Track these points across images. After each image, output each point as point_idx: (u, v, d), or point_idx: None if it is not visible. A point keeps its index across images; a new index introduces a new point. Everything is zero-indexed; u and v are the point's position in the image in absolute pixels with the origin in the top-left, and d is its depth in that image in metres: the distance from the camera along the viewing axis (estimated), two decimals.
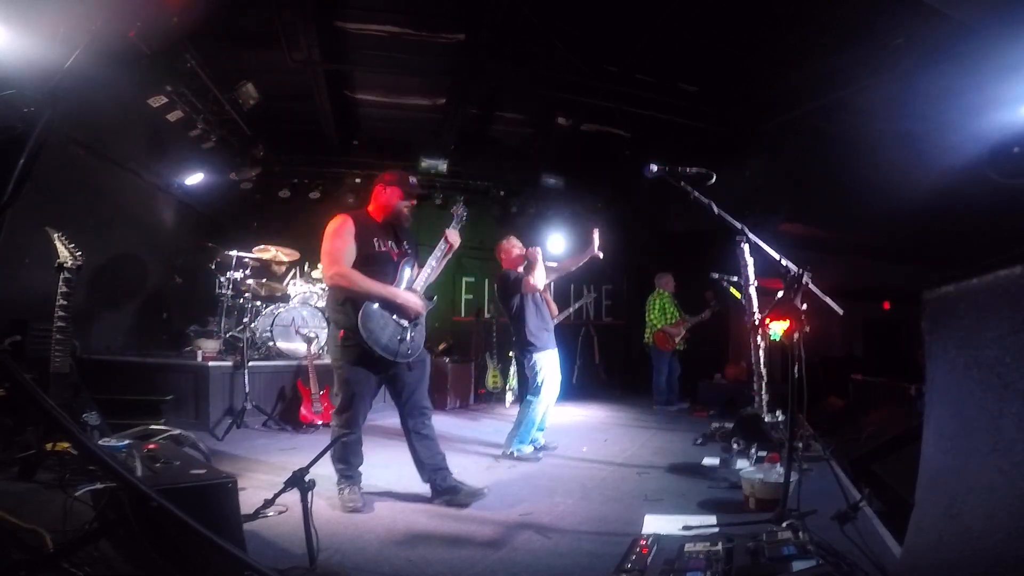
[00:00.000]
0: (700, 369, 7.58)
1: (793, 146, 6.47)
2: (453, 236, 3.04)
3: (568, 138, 7.57)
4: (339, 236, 2.81)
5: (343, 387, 2.86)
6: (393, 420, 5.63)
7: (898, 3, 4.22)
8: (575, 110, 6.83)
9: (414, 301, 2.84)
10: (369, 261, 2.80)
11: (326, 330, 5.88)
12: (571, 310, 6.34)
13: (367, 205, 3.05)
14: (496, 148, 8.06)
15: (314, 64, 5.66)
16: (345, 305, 2.76)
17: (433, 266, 3.01)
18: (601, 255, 4.35)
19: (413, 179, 3.01)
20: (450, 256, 3.09)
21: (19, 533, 1.87)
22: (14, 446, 2.75)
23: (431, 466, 2.95)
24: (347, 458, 2.89)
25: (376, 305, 2.74)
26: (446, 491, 2.92)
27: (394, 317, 2.80)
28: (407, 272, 2.91)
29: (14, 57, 3.32)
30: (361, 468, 2.97)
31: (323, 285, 6.23)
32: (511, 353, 6.71)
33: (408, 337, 2.82)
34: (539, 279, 4.02)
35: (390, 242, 2.93)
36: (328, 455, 2.68)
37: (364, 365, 2.80)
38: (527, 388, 4.38)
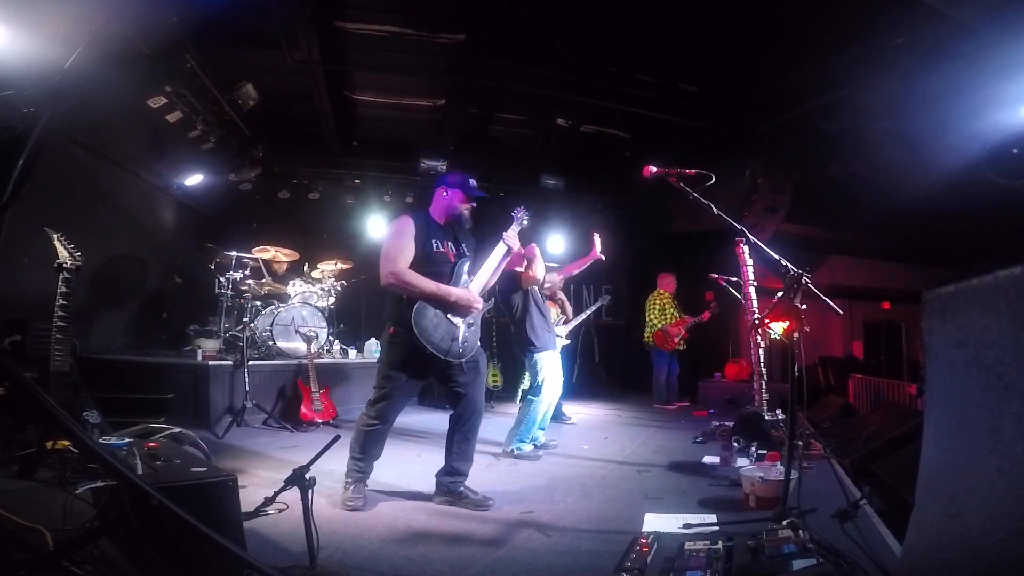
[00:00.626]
0: (700, 368, 7.59)
1: (793, 146, 6.48)
2: (512, 238, 3.02)
3: (568, 139, 7.57)
4: (398, 236, 2.80)
5: (383, 381, 2.85)
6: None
7: (898, 3, 4.23)
8: (575, 110, 6.84)
9: (468, 297, 2.82)
10: (427, 261, 2.80)
11: (325, 329, 5.92)
12: (590, 311, 6.21)
13: (428, 206, 3.03)
14: (496, 148, 8.06)
15: (314, 64, 5.66)
16: (401, 303, 2.77)
17: (492, 268, 2.99)
18: (603, 257, 4.40)
19: (473, 181, 2.98)
20: (508, 258, 3.07)
21: (19, 532, 1.87)
22: (14, 444, 2.76)
23: (454, 469, 2.94)
24: (366, 448, 2.88)
25: (430, 304, 2.75)
26: (451, 494, 2.91)
27: (448, 316, 2.79)
28: (464, 273, 2.90)
29: (14, 57, 3.32)
30: (376, 463, 2.95)
31: (322, 285, 6.25)
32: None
33: (461, 337, 2.81)
34: (539, 272, 4.03)
35: (448, 243, 2.92)
36: (350, 442, 2.73)
37: (409, 364, 2.81)
38: (529, 387, 4.39)
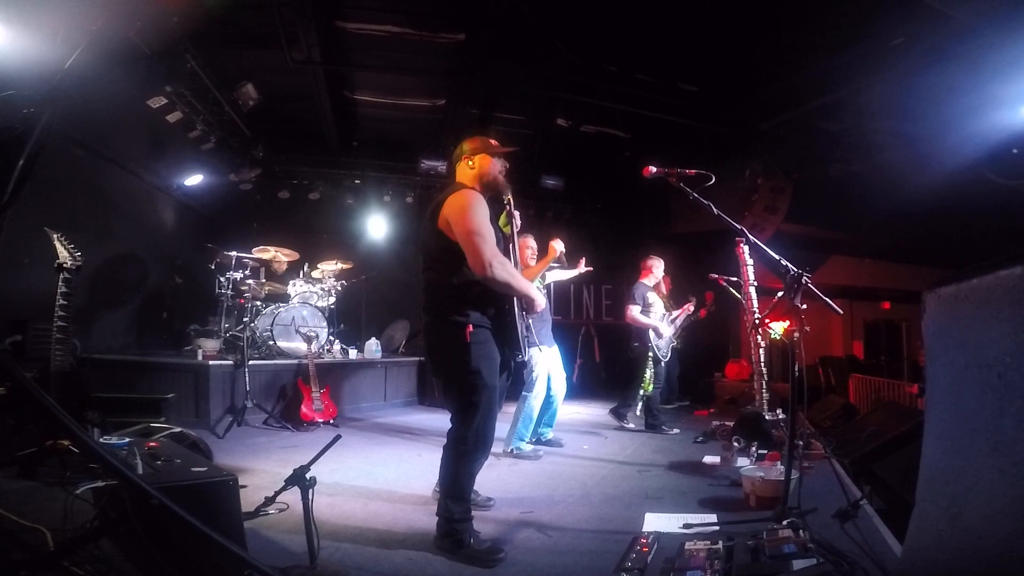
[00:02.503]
0: (700, 368, 7.58)
1: (793, 146, 6.49)
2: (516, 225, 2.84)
3: (568, 139, 7.58)
4: (483, 215, 2.21)
5: (477, 395, 2.27)
6: (392, 417, 5.65)
7: (898, 3, 4.23)
8: (575, 110, 6.84)
9: (540, 296, 2.49)
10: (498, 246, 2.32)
11: (325, 329, 5.91)
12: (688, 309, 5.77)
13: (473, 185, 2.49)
14: None
15: (314, 64, 5.66)
16: (481, 299, 2.29)
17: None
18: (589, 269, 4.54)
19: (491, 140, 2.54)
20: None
21: (20, 532, 1.87)
22: (15, 444, 2.75)
23: None
24: (466, 482, 2.41)
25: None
26: None
27: (523, 312, 2.49)
28: (517, 256, 2.63)
29: (14, 57, 3.32)
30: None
31: (322, 285, 6.23)
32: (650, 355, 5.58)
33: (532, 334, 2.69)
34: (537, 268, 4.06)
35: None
36: (442, 480, 2.41)
37: (496, 365, 2.36)
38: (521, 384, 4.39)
